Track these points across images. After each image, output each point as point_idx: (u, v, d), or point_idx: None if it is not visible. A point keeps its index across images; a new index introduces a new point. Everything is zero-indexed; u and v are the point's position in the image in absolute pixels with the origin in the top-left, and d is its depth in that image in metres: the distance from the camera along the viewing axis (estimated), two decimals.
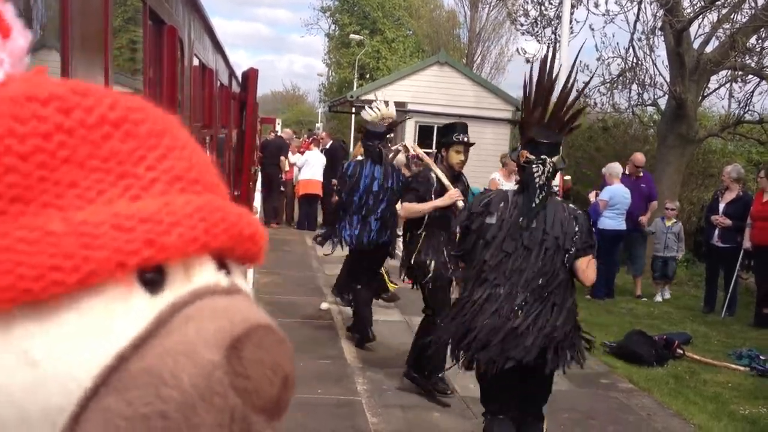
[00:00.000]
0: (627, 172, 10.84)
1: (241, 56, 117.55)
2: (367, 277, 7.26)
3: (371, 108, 7.26)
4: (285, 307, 8.51)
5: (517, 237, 3.86)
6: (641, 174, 10.87)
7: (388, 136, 7.29)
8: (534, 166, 3.87)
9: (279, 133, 16.58)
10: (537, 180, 3.86)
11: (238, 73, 7.34)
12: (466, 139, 5.75)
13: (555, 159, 3.91)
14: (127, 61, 2.52)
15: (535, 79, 3.96)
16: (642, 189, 10.66)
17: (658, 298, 10.54)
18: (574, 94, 4.13)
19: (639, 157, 11.04)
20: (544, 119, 3.96)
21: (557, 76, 4.14)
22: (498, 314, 3.78)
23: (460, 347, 3.96)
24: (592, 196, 10.97)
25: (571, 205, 4.11)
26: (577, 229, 3.86)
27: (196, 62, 4.16)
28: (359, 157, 7.80)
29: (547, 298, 3.81)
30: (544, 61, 4.03)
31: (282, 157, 14.80)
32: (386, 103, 7.38)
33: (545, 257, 3.82)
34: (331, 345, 7.19)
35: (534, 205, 3.86)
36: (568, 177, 10.06)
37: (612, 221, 10.31)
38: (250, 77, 6.37)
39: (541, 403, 4.18)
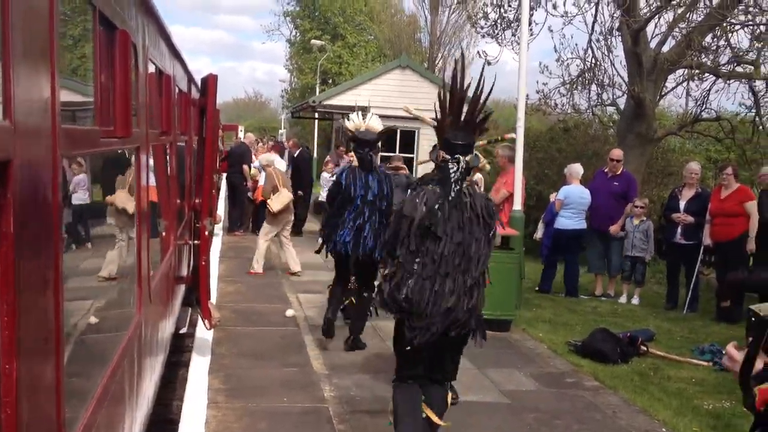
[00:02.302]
0: (605, 170, 10.87)
1: (203, 63, 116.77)
2: (362, 285, 7.28)
3: (353, 118, 7.34)
4: (250, 315, 8.43)
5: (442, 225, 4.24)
6: (619, 172, 10.75)
7: (377, 144, 7.35)
8: (450, 164, 4.31)
9: (242, 139, 16.41)
10: (453, 176, 4.31)
11: (198, 80, 7.25)
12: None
13: (468, 158, 4.35)
14: (76, 67, 2.46)
15: (448, 88, 4.40)
16: (614, 187, 10.62)
17: (623, 300, 10.52)
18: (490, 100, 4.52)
19: (615, 151, 11.04)
20: (457, 123, 4.40)
21: (487, 86, 4.39)
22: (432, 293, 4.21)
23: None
24: (552, 197, 11.09)
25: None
26: (493, 209, 4.41)
27: (151, 68, 4.08)
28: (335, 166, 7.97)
29: (470, 278, 4.27)
30: (455, 72, 4.45)
31: (245, 165, 14.66)
32: (364, 115, 7.46)
33: (468, 241, 4.26)
34: (297, 352, 7.13)
35: (450, 198, 4.27)
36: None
37: (568, 221, 10.43)
38: (210, 83, 6.30)
39: (448, 373, 4.64)
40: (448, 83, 4.49)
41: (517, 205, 9.16)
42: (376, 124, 7.40)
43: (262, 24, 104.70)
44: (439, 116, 4.48)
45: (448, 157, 4.34)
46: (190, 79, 7.44)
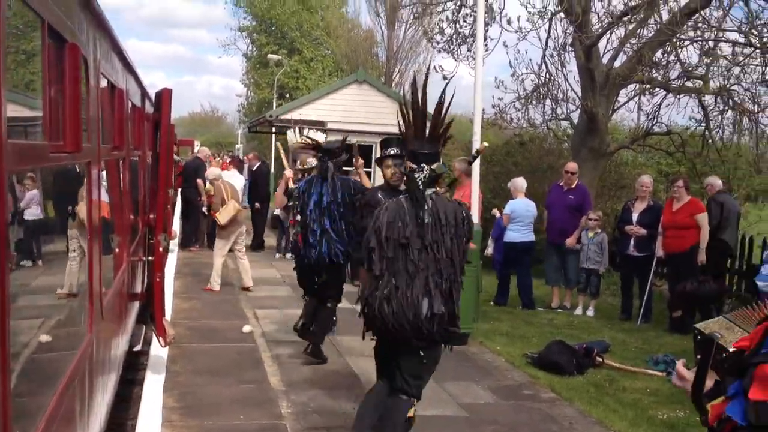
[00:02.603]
0: (561, 183, 10.98)
1: (158, 78, 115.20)
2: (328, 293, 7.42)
3: (299, 132, 7.50)
4: (206, 332, 8.33)
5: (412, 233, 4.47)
6: (574, 185, 10.84)
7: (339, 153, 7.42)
8: (416, 173, 4.56)
9: (197, 154, 16.24)
10: (419, 184, 4.55)
11: (153, 94, 7.18)
12: (392, 152, 5.81)
13: (435, 166, 4.58)
14: (24, 81, 2.41)
15: (410, 102, 4.67)
16: (569, 200, 10.74)
17: (578, 311, 10.63)
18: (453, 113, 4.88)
19: (570, 164, 11.15)
20: (420, 135, 4.65)
21: (444, 100, 4.65)
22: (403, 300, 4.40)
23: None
24: (496, 212, 11.21)
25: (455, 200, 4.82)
26: (464, 214, 4.55)
27: (103, 82, 4.03)
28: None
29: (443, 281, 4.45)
30: (414, 86, 4.71)
31: (199, 180, 14.50)
32: (301, 130, 7.63)
33: (439, 248, 4.45)
34: (253, 369, 7.05)
35: (419, 206, 4.51)
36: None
37: (516, 234, 10.57)
38: (164, 97, 6.23)
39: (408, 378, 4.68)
40: (409, 98, 4.75)
41: (474, 218, 9.20)
42: (319, 140, 7.59)
43: (218, 38, 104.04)
44: (403, 129, 4.71)
45: (414, 166, 4.59)
46: (144, 94, 7.36)
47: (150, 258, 6.47)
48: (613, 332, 9.46)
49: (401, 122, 4.70)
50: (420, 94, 4.65)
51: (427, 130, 4.67)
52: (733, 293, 10.52)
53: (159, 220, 6.40)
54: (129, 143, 5.64)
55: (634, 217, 10.18)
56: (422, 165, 4.57)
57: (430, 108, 4.66)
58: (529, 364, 7.69)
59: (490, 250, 11.22)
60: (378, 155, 6.22)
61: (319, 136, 7.98)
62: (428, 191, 4.56)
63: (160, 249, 6.34)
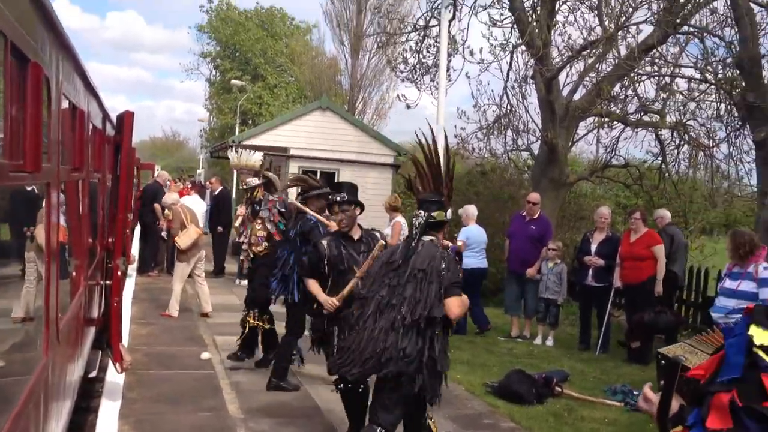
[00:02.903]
0: (523, 213, 11.06)
1: (120, 101, 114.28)
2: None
3: (231, 155, 7.70)
4: (164, 359, 8.20)
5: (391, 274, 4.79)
6: (536, 216, 10.91)
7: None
8: (414, 218, 4.92)
9: (156, 178, 16.09)
10: (414, 228, 4.90)
11: (114, 117, 7.11)
12: (338, 198, 5.90)
13: (435, 213, 4.87)
14: None
15: (425, 165, 5.08)
16: (531, 231, 10.82)
17: (538, 341, 10.69)
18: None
19: (533, 195, 11.23)
20: (427, 189, 5.06)
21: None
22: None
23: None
24: (448, 243, 11.26)
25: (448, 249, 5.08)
26: (443, 266, 4.65)
27: (65, 103, 3.99)
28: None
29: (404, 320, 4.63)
30: (430, 143, 5.09)
31: (156, 204, 14.34)
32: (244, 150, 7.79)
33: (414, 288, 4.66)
34: (211, 396, 6.95)
35: (410, 246, 4.83)
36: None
37: (473, 260, 10.67)
38: (125, 120, 6.18)
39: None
40: (422, 160, 5.13)
41: None
42: (254, 161, 7.93)
43: (181, 63, 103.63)
44: (420, 188, 5.11)
45: (418, 212, 4.94)
46: (106, 116, 7.29)
47: (108, 282, 6.37)
48: (572, 362, 9.52)
49: (416, 172, 5.14)
50: (440, 158, 5.05)
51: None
52: (689, 324, 10.68)
53: (118, 243, 6.32)
54: (89, 165, 5.56)
55: (593, 248, 10.30)
56: (420, 211, 4.90)
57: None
58: (489, 393, 7.70)
59: None
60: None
61: (255, 158, 8.01)
62: (425, 237, 4.83)
63: (119, 273, 6.25)
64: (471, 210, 11.19)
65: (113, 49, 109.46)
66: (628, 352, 9.82)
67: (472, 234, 10.81)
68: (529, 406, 7.33)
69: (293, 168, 17.31)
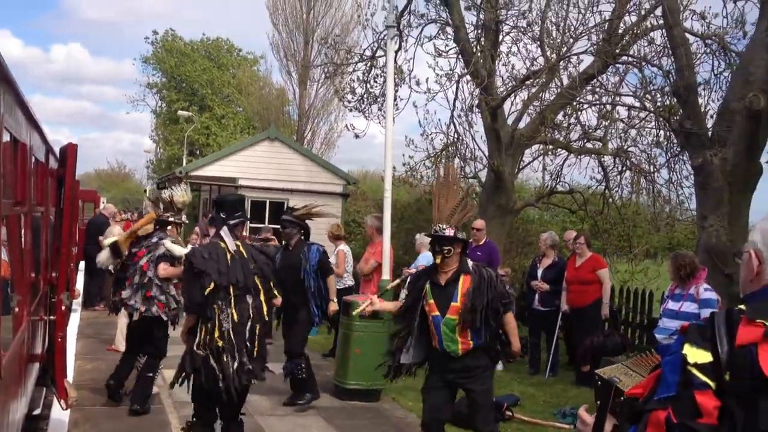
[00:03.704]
0: (469, 240, 11.08)
1: (64, 134, 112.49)
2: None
3: (177, 187, 7.63)
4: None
5: None
6: (482, 242, 10.89)
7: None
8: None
9: (102, 211, 15.83)
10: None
11: (58, 150, 7.02)
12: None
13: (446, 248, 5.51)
14: None
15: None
16: (478, 257, 10.85)
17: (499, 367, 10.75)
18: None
19: (477, 222, 11.30)
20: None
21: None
22: None
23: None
24: (406, 271, 11.33)
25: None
26: None
27: (6, 137, 3.94)
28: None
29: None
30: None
31: (100, 237, 14.08)
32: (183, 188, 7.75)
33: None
34: (160, 431, 6.83)
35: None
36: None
37: None
38: (69, 153, 6.11)
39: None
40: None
41: (386, 275, 9.29)
42: (177, 197, 7.69)
43: (126, 94, 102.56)
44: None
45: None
46: (49, 149, 7.18)
47: (52, 317, 6.24)
48: (523, 386, 9.60)
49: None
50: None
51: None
52: (635, 346, 10.87)
53: (62, 278, 6.20)
54: (31, 199, 5.48)
55: (539, 272, 10.46)
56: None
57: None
58: None
59: None
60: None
61: (177, 193, 7.88)
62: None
63: (63, 308, 6.12)
64: (426, 238, 11.22)
65: (58, 82, 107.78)
66: (577, 374, 9.95)
67: (427, 262, 10.84)
68: None
69: None
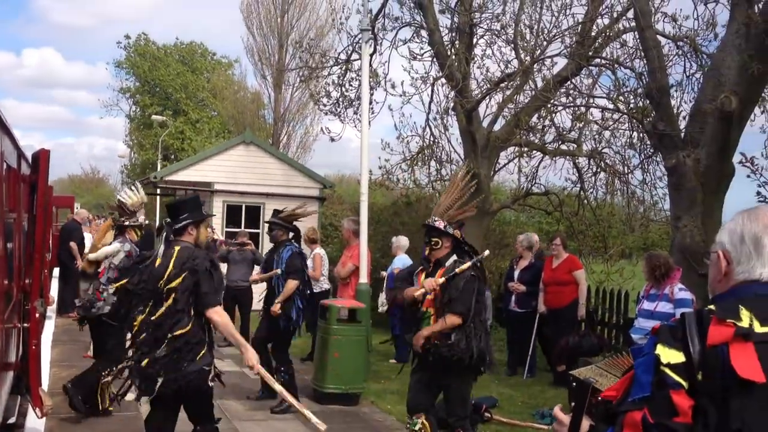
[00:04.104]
0: None
1: (37, 139, 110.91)
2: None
3: (130, 190, 7.61)
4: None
5: None
6: None
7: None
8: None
9: (74, 217, 15.67)
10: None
11: (30, 156, 6.94)
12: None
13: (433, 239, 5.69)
14: None
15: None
16: None
17: None
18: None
19: None
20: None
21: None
22: None
23: None
24: (383, 273, 11.36)
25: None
26: None
27: None
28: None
29: None
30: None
31: (72, 243, 13.96)
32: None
33: None
34: None
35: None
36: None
37: None
38: (41, 159, 6.05)
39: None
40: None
41: (363, 278, 9.30)
42: (126, 199, 7.61)
43: (100, 99, 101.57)
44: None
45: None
46: (21, 155, 7.10)
47: (26, 325, 6.17)
48: (501, 387, 9.64)
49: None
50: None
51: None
52: (611, 346, 10.95)
53: (35, 285, 6.13)
54: (3, 205, 5.42)
55: (516, 274, 10.52)
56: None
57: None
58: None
59: (384, 308, 11.26)
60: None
61: (126, 196, 7.82)
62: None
63: (37, 315, 6.06)
64: (403, 241, 11.26)
65: (31, 87, 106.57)
66: (554, 375, 10.01)
67: (407, 263, 10.86)
68: None
69: (218, 203, 17.14)
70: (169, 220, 5.38)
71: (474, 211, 6.00)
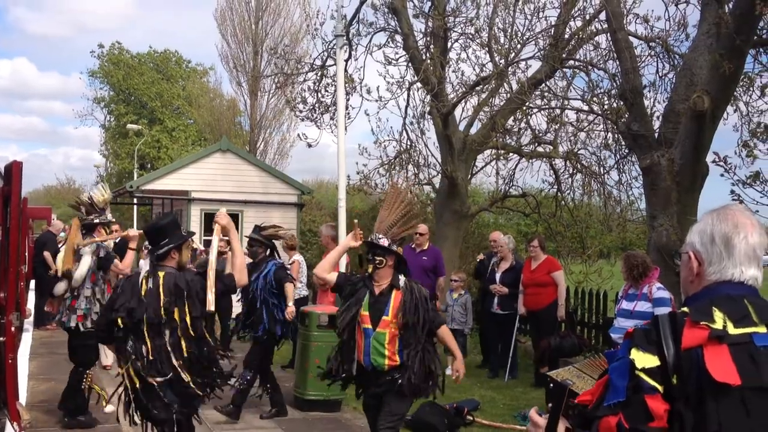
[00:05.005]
0: (412, 245, 11.04)
1: (12, 151, 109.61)
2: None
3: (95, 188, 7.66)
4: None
5: None
6: (426, 247, 10.90)
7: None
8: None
9: (49, 228, 15.52)
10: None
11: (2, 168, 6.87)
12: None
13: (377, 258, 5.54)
14: None
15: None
16: (423, 262, 10.80)
17: (448, 371, 10.73)
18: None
19: (420, 226, 11.22)
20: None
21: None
22: None
23: None
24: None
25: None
26: None
27: None
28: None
29: None
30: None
31: (45, 253, 13.81)
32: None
33: None
34: None
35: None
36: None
37: None
38: (14, 171, 5.99)
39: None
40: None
41: None
42: (97, 196, 7.66)
43: (74, 109, 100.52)
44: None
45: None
46: None
47: (1, 339, 6.10)
48: (483, 390, 9.66)
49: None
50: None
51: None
52: (591, 346, 11.01)
53: (11, 298, 6.06)
54: None
55: (497, 276, 10.54)
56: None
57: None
58: (403, 426, 7.70)
59: None
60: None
61: (96, 192, 7.82)
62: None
63: (12, 329, 5.99)
64: None
65: (5, 98, 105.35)
66: (535, 376, 10.04)
67: None
68: None
69: (195, 211, 17.05)
70: (149, 246, 5.34)
71: (416, 228, 5.94)
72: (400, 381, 5.32)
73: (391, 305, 5.39)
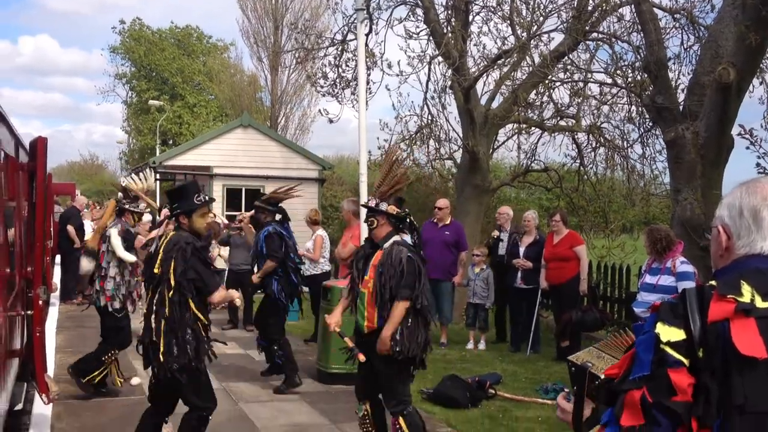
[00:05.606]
0: (434, 220, 11.03)
1: (36, 127, 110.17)
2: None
3: (137, 177, 7.81)
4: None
5: None
6: (448, 221, 10.90)
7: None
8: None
9: (74, 203, 15.69)
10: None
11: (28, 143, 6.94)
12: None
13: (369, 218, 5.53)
14: None
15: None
16: (446, 236, 10.78)
17: (470, 346, 10.77)
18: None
19: (440, 201, 11.20)
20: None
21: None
22: None
23: None
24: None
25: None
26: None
27: None
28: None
29: None
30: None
31: (69, 227, 13.99)
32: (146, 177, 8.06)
33: None
34: None
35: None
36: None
37: None
38: (39, 147, 6.05)
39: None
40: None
41: None
42: (132, 185, 7.93)
43: (96, 85, 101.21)
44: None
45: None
46: (19, 143, 7.09)
47: (29, 312, 6.20)
48: (505, 364, 9.68)
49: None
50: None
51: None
52: (614, 321, 10.99)
53: (37, 272, 6.15)
54: (2, 194, 5.42)
55: (521, 250, 10.50)
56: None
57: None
58: (425, 399, 7.76)
59: None
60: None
61: (134, 180, 8.06)
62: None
63: (40, 302, 6.08)
64: None
65: (27, 74, 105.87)
66: (557, 350, 10.04)
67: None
68: (465, 410, 7.43)
69: (217, 187, 17.15)
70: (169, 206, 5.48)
71: (405, 180, 5.77)
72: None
73: (371, 265, 5.39)
